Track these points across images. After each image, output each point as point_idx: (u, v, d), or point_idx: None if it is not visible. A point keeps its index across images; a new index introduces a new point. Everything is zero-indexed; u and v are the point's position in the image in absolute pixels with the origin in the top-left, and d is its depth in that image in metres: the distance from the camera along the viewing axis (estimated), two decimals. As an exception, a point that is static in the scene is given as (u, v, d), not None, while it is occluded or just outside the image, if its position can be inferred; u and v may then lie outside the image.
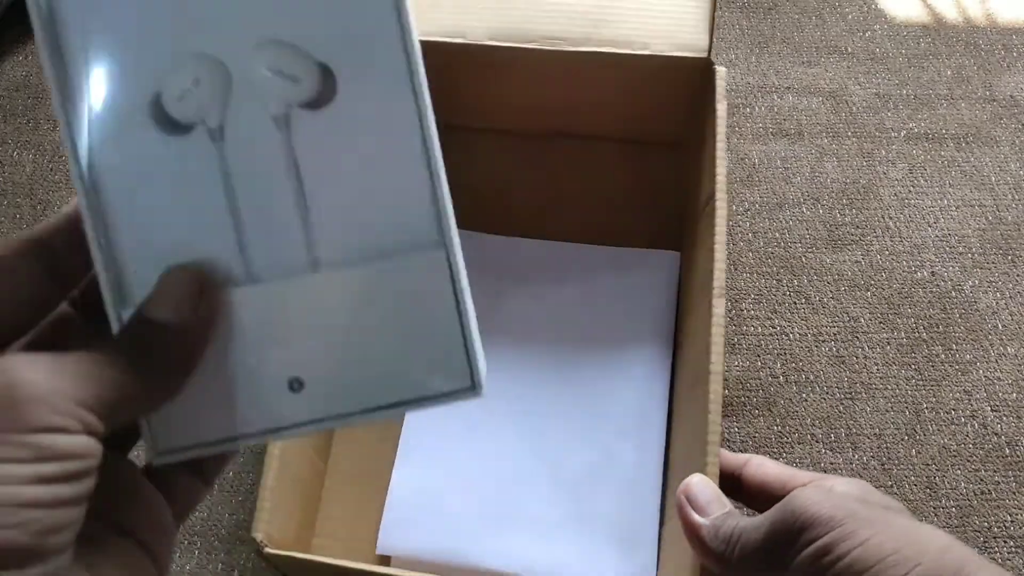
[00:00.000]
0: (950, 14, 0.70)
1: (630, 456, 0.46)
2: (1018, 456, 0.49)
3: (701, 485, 0.35)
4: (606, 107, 0.55)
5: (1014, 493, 0.48)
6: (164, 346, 0.21)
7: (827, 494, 0.31)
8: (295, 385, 0.23)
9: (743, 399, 0.52)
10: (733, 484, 0.39)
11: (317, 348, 0.23)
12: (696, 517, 0.34)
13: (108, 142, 0.22)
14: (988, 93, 0.65)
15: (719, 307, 0.39)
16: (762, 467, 0.39)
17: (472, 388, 0.23)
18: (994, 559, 0.46)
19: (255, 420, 0.23)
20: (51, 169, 0.61)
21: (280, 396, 0.23)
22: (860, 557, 0.28)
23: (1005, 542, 0.46)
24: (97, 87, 0.22)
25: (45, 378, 0.19)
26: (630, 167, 0.57)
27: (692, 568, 0.35)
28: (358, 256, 0.22)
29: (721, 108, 0.46)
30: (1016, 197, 0.60)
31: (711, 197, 0.44)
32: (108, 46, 0.22)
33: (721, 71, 0.47)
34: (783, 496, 0.31)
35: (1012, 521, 0.47)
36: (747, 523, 0.32)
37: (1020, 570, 0.45)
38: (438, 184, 0.22)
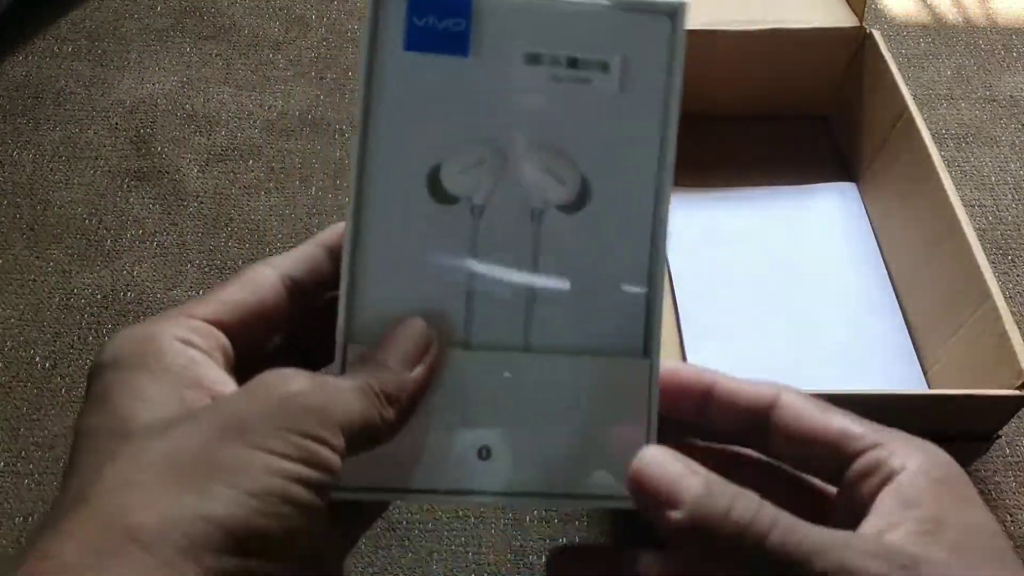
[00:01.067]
0: (950, 14, 0.70)
1: (877, 326, 0.52)
2: (1018, 456, 0.49)
3: (654, 463, 0.22)
4: (758, 85, 0.60)
5: (1014, 493, 0.48)
6: (393, 391, 0.23)
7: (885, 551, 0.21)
8: (483, 453, 0.24)
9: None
10: (752, 426, 0.25)
11: (511, 424, 0.24)
12: (669, 515, 0.21)
13: (383, 196, 0.25)
14: (988, 93, 0.65)
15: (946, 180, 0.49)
16: (799, 418, 0.25)
17: None
18: (994, 559, 0.46)
19: (439, 478, 0.24)
20: (51, 169, 0.60)
21: (468, 461, 0.24)
22: None
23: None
24: (390, 147, 0.25)
25: (316, 394, 0.22)
26: (783, 140, 0.61)
27: None
28: (569, 346, 0.25)
29: (889, 59, 0.54)
30: (1016, 197, 0.60)
31: (900, 116, 0.51)
32: (412, 114, 0.25)
33: (879, 35, 0.56)
34: (825, 455, 0.24)
35: (1012, 521, 0.47)
36: (754, 505, 0.21)
37: (1020, 570, 0.45)
38: (656, 301, 0.25)
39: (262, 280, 0.25)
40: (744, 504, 0.21)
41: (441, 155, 0.25)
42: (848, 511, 0.24)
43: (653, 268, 0.25)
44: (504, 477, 0.24)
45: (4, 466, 0.48)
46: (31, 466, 0.47)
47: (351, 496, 0.24)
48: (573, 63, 0.25)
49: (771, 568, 0.20)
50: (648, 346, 0.25)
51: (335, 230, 0.26)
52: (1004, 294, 0.55)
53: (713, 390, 0.26)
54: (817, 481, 0.26)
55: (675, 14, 0.25)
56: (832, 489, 0.26)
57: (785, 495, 0.23)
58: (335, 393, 0.22)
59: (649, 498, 0.22)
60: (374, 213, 0.25)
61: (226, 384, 0.23)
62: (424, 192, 0.25)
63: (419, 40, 0.24)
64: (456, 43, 0.25)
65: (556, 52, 0.25)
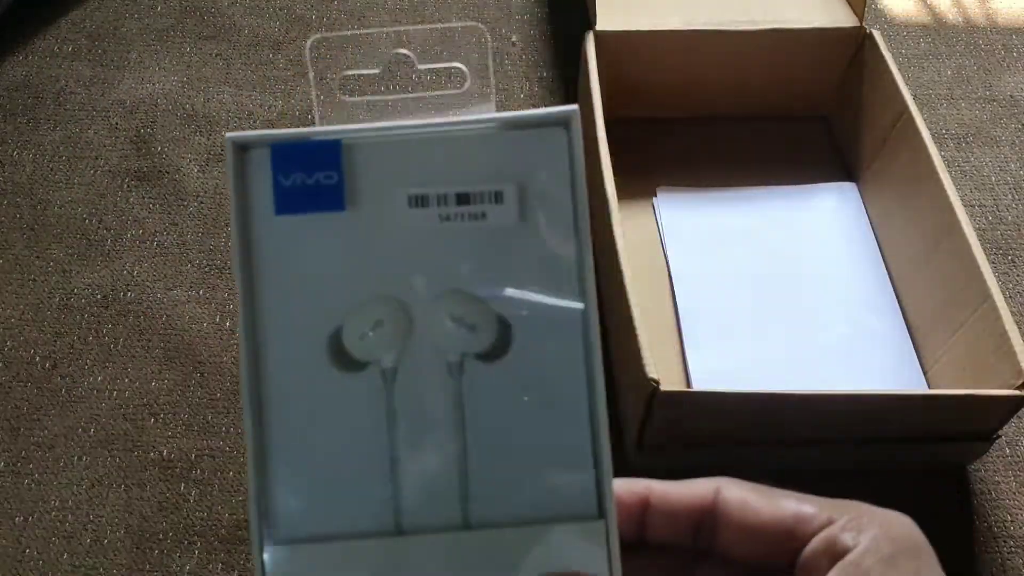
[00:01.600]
0: (950, 14, 0.70)
1: (876, 326, 0.52)
2: (1018, 456, 0.49)
3: None
4: (759, 85, 0.60)
5: (1014, 493, 0.48)
6: None
7: None
8: None
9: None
10: (697, 529, 0.25)
11: None
12: None
13: (282, 374, 0.22)
14: (988, 93, 0.65)
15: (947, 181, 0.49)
16: (745, 509, 0.24)
17: None
18: (994, 559, 0.46)
19: None
20: (51, 169, 0.61)
21: None
22: None
23: (1005, 542, 0.46)
24: (281, 316, 0.22)
25: None
26: (783, 140, 0.62)
27: None
28: (512, 518, 0.22)
29: (889, 58, 0.55)
30: (1016, 197, 0.60)
31: (900, 116, 0.52)
32: (298, 281, 0.22)
33: (879, 35, 0.57)
34: (779, 544, 0.23)
35: (1012, 521, 0.47)
36: None
37: (1020, 570, 0.46)
38: (602, 453, 0.22)
39: None
40: None
41: (338, 318, 0.22)
42: None
43: (595, 412, 0.22)
44: None
45: (4, 466, 0.48)
46: (31, 466, 0.47)
47: None
48: (464, 199, 0.22)
49: None
50: (601, 505, 0.22)
51: None
52: (1004, 294, 0.55)
53: (649, 500, 0.24)
54: None
55: (568, 122, 0.22)
56: None
57: None
58: None
59: None
60: (274, 394, 0.22)
61: None
62: (326, 362, 0.22)
63: (290, 202, 0.22)
64: (330, 199, 0.22)
65: (442, 190, 0.22)
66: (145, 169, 0.61)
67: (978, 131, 0.63)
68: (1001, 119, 0.63)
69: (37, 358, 0.52)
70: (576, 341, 0.22)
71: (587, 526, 0.22)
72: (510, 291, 0.23)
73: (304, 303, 0.22)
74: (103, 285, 0.55)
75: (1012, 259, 0.57)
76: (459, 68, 0.24)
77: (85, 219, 0.58)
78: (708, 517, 0.24)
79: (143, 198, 0.59)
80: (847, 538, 0.22)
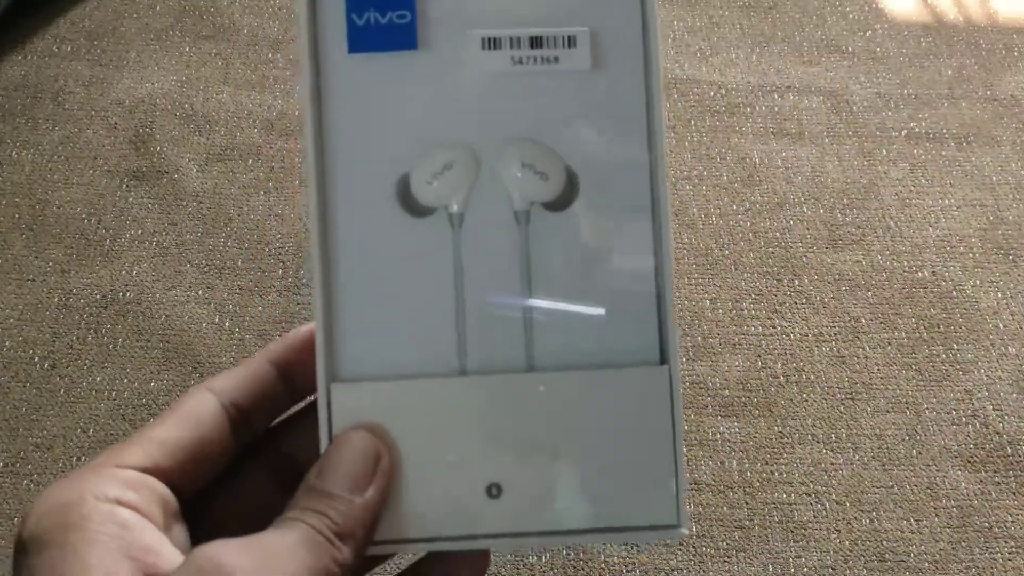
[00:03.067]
0: (951, 14, 0.70)
1: None
2: (1019, 456, 0.49)
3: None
4: None
5: (1015, 493, 0.48)
6: (344, 526, 0.20)
7: None
8: (493, 491, 0.22)
9: (744, 399, 0.52)
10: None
11: (520, 455, 0.22)
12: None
13: (350, 216, 0.22)
14: (989, 93, 0.65)
15: None
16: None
17: (675, 526, 0.22)
18: (995, 560, 0.46)
19: (444, 524, 0.22)
20: (49, 169, 0.60)
21: (477, 501, 0.22)
22: None
23: (1006, 542, 0.46)
24: (349, 162, 0.22)
25: (256, 568, 0.19)
26: None
27: None
28: (576, 362, 0.22)
29: None
30: (1017, 197, 0.60)
31: None
32: (367, 122, 0.22)
33: None
34: None
35: (1013, 521, 0.47)
36: None
37: (1021, 570, 0.45)
38: (666, 299, 0.22)
39: (202, 412, 0.22)
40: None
41: (407, 163, 0.22)
42: None
43: (660, 261, 0.22)
44: (519, 517, 0.22)
45: (3, 466, 0.47)
46: (30, 466, 0.47)
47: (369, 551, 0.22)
48: (537, 42, 0.22)
49: None
50: (664, 351, 0.22)
51: (286, 342, 0.23)
52: (1005, 294, 0.55)
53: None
54: None
55: None
56: None
57: None
58: (276, 560, 0.19)
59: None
60: (343, 236, 0.22)
61: (161, 550, 0.20)
62: (394, 206, 0.22)
63: (363, 40, 0.22)
64: (403, 37, 0.22)
65: (516, 32, 0.22)
66: (144, 169, 0.61)
67: (979, 131, 0.63)
68: (1002, 119, 0.63)
69: (36, 358, 0.51)
70: (643, 194, 0.22)
71: (650, 372, 0.22)
72: (580, 139, 0.22)
73: (373, 146, 0.22)
74: (102, 285, 0.55)
75: (1013, 259, 0.57)
76: None
77: (84, 219, 0.58)
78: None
79: (142, 198, 0.59)
80: None
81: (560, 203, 0.23)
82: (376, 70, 0.22)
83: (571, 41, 0.22)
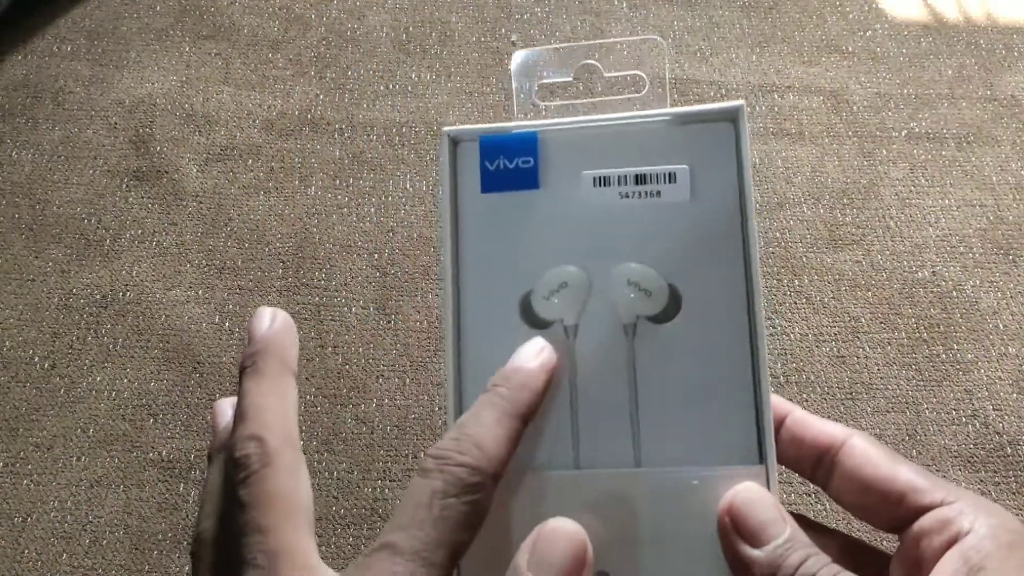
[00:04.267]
0: (951, 13, 0.70)
1: None
2: (1019, 456, 0.49)
3: (752, 501, 0.23)
4: None
5: (1014, 493, 0.48)
6: None
7: None
8: None
9: (744, 399, 0.51)
10: (817, 462, 0.26)
11: (629, 545, 0.23)
12: (747, 550, 0.23)
13: (480, 329, 0.26)
14: (989, 92, 0.65)
15: None
16: (866, 464, 0.25)
17: None
18: (995, 560, 0.46)
19: None
20: (49, 169, 0.60)
21: None
22: None
23: (1006, 542, 0.46)
24: (481, 283, 0.26)
25: None
26: None
27: None
28: (680, 459, 0.24)
29: None
30: (1017, 197, 0.59)
31: None
32: (496, 249, 0.26)
33: None
34: (887, 505, 0.24)
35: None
36: (824, 562, 0.22)
37: (1021, 571, 0.45)
38: (763, 407, 0.24)
39: None
40: (816, 561, 0.22)
41: (529, 283, 0.25)
42: (906, 566, 0.24)
43: (756, 367, 0.24)
44: None
45: (3, 466, 0.47)
46: (30, 467, 0.47)
47: None
48: (641, 179, 0.25)
49: None
50: (762, 451, 0.24)
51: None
52: (1005, 294, 0.55)
53: (785, 421, 0.26)
54: (873, 546, 0.26)
55: (736, 118, 0.25)
56: (884, 550, 0.26)
57: (838, 558, 0.23)
58: None
59: (737, 529, 0.23)
60: (474, 347, 0.25)
61: None
62: (518, 320, 0.25)
63: (494, 182, 0.26)
64: (527, 179, 0.26)
65: (623, 171, 0.25)
66: (144, 169, 0.61)
67: (979, 131, 0.63)
68: (1002, 119, 0.63)
69: (36, 358, 0.51)
70: (740, 309, 0.25)
71: (748, 471, 0.24)
72: (681, 261, 0.25)
73: (501, 269, 0.26)
74: (102, 285, 0.55)
75: (1013, 259, 0.56)
76: (639, 75, 0.27)
77: (84, 219, 0.58)
78: (830, 457, 0.25)
79: (142, 198, 0.59)
80: (964, 522, 0.23)
81: (664, 317, 0.25)
82: (505, 206, 0.26)
83: (672, 177, 0.25)
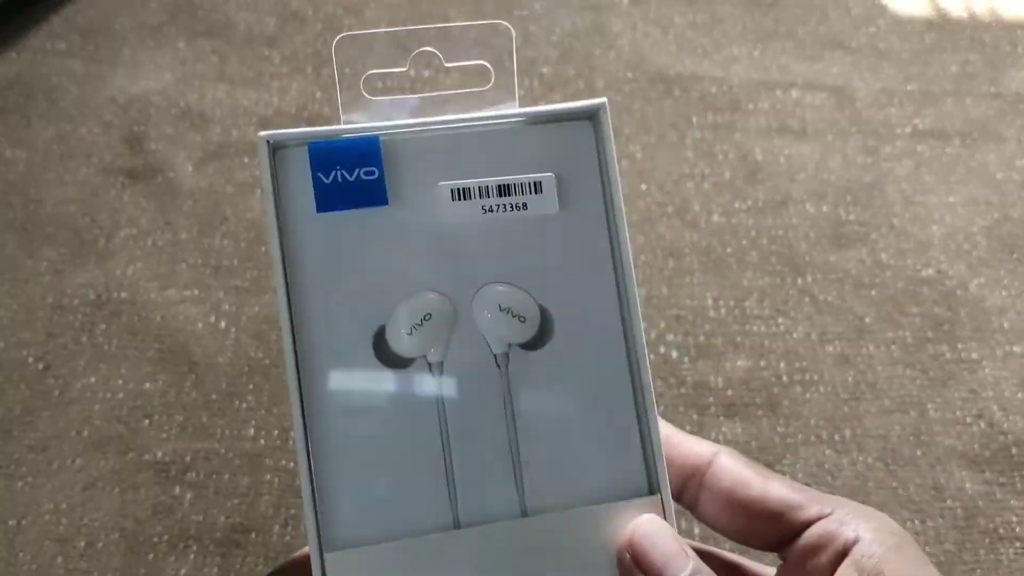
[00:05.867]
0: (955, 9, 0.70)
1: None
2: (1020, 457, 0.49)
3: (653, 534, 0.22)
4: None
5: (1020, 494, 0.47)
6: None
7: None
8: None
9: (747, 399, 0.51)
10: (684, 485, 0.26)
11: None
12: None
13: (328, 374, 0.22)
14: (994, 89, 0.65)
15: None
16: (736, 483, 0.24)
17: None
18: (999, 561, 0.45)
19: None
20: (43, 167, 0.60)
21: None
22: None
23: (1011, 543, 0.46)
24: (325, 319, 0.22)
25: None
26: None
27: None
28: (568, 502, 0.22)
29: None
30: (1023, 194, 0.59)
31: None
32: (340, 279, 0.22)
33: None
34: (764, 526, 0.24)
35: (1018, 522, 0.46)
36: None
37: (1028, 573, 0.45)
38: (651, 432, 0.22)
39: None
40: None
41: (382, 316, 0.22)
42: None
43: (638, 391, 0.22)
44: None
45: (-4, 469, 0.47)
46: (24, 469, 0.47)
47: None
48: (505, 190, 0.23)
49: None
50: (652, 480, 0.22)
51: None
52: (1011, 292, 0.54)
53: None
54: (753, 565, 0.25)
55: (596, 115, 0.23)
56: (767, 570, 0.25)
57: None
58: None
59: (640, 566, 0.22)
60: (322, 394, 0.22)
61: None
62: (372, 360, 0.22)
63: (332, 198, 0.22)
64: (373, 193, 0.22)
65: (484, 181, 0.23)
66: (138, 167, 0.60)
67: (984, 127, 0.62)
68: (1007, 115, 0.63)
69: (29, 359, 0.51)
70: (616, 328, 0.23)
71: (642, 503, 0.22)
72: (551, 280, 0.23)
73: (348, 302, 0.22)
74: (96, 285, 0.54)
75: (1019, 257, 0.56)
76: (484, 66, 0.24)
77: (78, 218, 0.57)
78: (696, 480, 0.24)
79: (136, 197, 0.58)
80: (848, 532, 0.22)
81: (537, 343, 0.23)
82: (347, 226, 0.22)
83: (537, 187, 0.23)
